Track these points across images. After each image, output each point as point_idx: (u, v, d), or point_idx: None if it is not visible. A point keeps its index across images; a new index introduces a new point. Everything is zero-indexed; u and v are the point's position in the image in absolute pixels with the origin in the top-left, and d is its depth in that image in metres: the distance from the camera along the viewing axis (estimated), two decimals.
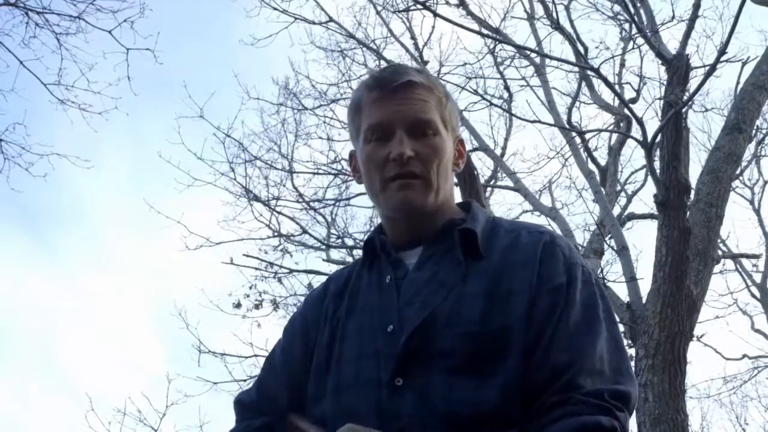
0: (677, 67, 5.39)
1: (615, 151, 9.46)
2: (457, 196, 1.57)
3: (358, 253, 9.31)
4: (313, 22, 9.30)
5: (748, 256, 11.39)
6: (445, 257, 1.33)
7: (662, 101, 5.62)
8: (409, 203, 1.34)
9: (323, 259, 9.80)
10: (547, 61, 8.87)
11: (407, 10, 8.83)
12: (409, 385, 1.20)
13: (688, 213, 5.36)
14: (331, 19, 9.39)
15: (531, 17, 9.40)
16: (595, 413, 1.14)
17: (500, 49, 9.09)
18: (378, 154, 1.36)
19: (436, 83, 1.42)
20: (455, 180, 1.53)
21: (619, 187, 9.77)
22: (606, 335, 1.24)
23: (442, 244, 1.35)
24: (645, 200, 10.25)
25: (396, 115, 1.35)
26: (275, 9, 8.92)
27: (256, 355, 8.46)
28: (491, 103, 8.77)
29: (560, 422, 1.14)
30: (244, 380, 8.64)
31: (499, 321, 1.21)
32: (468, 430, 1.16)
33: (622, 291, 6.97)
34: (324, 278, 1.55)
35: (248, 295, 9.22)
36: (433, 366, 1.20)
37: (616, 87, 8.82)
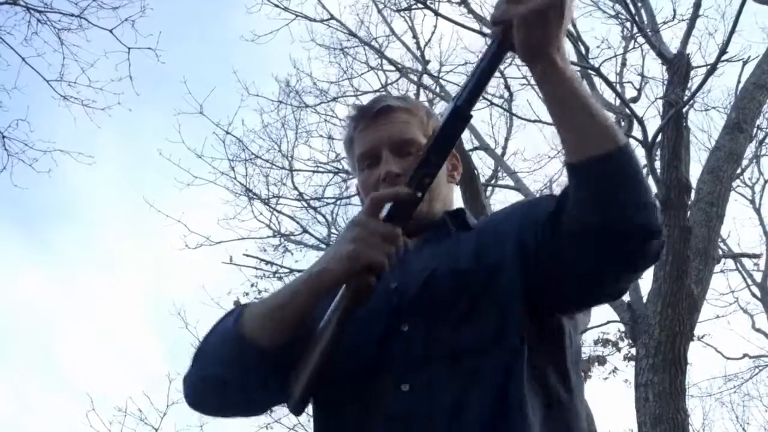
0: (678, 66, 5.39)
1: None
2: (458, 202, 1.65)
3: None
4: (314, 20, 9.30)
5: (748, 256, 11.39)
6: (440, 238, 1.44)
7: (663, 101, 5.61)
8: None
9: None
10: None
11: (409, 8, 8.83)
12: (414, 330, 1.29)
13: (688, 212, 5.36)
14: (332, 17, 9.39)
15: None
16: None
17: None
18: (370, 178, 1.47)
19: (417, 105, 1.54)
20: (456, 188, 1.62)
21: None
22: None
23: (437, 231, 1.45)
24: None
25: (380, 139, 1.47)
26: (276, 6, 8.92)
27: None
28: (492, 103, 8.77)
29: None
30: None
31: (491, 257, 1.32)
32: (469, 359, 1.24)
33: None
34: None
35: (247, 294, 9.23)
36: (436, 311, 1.29)
37: (617, 86, 8.82)
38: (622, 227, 1.18)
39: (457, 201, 1.58)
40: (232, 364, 1.30)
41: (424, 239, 1.44)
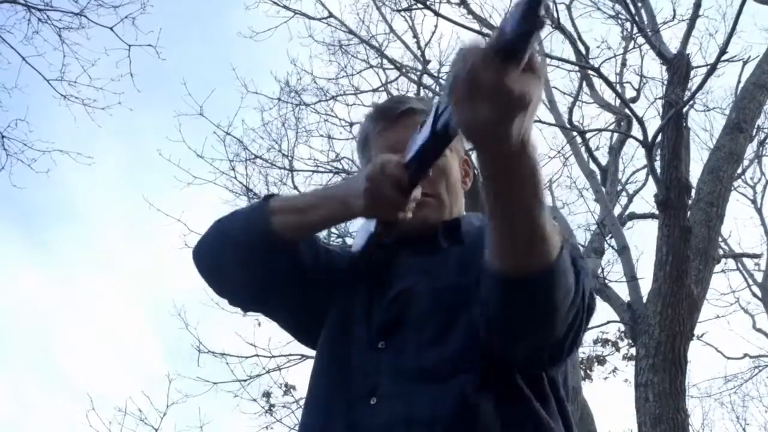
0: (678, 66, 5.39)
1: (616, 151, 9.46)
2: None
3: None
4: (313, 18, 9.30)
5: (749, 256, 11.38)
6: (432, 249, 1.42)
7: (663, 101, 5.61)
8: (426, 221, 1.41)
9: None
10: (548, 60, 8.87)
11: (409, 9, 8.83)
12: (387, 347, 1.29)
13: (688, 212, 5.36)
14: (331, 15, 9.38)
15: None
16: None
17: None
18: None
19: None
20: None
21: (619, 187, 9.77)
22: None
23: (429, 245, 1.43)
24: (646, 199, 10.24)
25: (401, 144, 1.38)
26: (275, 4, 8.91)
27: (257, 355, 8.46)
28: None
29: None
30: (245, 380, 8.64)
31: (465, 281, 1.28)
32: (436, 379, 1.22)
33: (622, 291, 6.99)
34: None
35: None
36: (408, 330, 1.29)
37: (617, 86, 8.82)
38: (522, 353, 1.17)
39: None
40: (248, 229, 1.38)
41: (414, 252, 1.42)
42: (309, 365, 1.45)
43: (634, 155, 10.22)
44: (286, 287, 1.41)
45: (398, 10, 9.19)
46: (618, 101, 8.60)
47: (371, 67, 9.75)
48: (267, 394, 9.01)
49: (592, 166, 8.82)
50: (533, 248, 1.06)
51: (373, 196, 1.26)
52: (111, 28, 8.13)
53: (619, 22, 9.20)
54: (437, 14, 7.55)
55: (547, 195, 1.08)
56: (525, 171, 1.00)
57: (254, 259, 1.37)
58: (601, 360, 9.71)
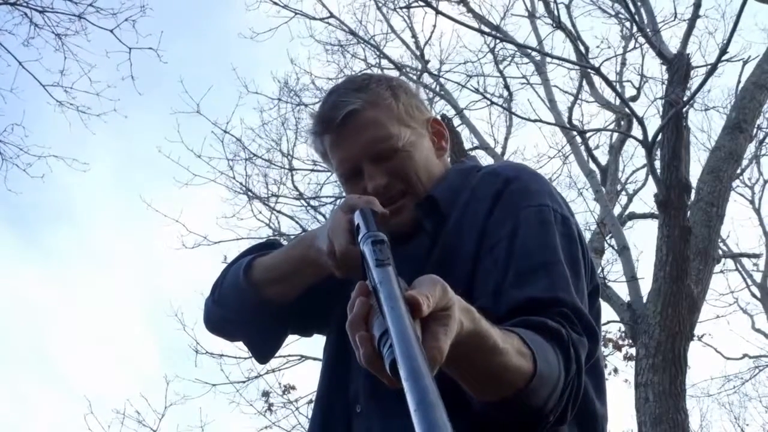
0: (678, 66, 5.38)
1: (616, 150, 9.45)
2: None
3: None
4: (314, 18, 9.27)
5: (748, 256, 11.40)
6: (417, 235, 1.35)
7: (663, 100, 5.61)
8: (409, 221, 1.35)
9: None
10: (548, 59, 8.86)
11: (408, 6, 8.82)
12: None
13: (688, 212, 5.35)
14: (331, 15, 9.35)
15: (532, 15, 9.39)
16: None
17: (501, 48, 9.09)
18: (356, 190, 1.37)
19: (379, 93, 1.38)
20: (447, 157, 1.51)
21: (619, 186, 9.76)
22: (565, 267, 1.20)
23: (408, 237, 1.36)
24: (646, 199, 10.23)
25: (356, 154, 1.36)
26: (275, 4, 8.87)
27: None
28: (492, 102, 8.77)
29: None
30: (243, 382, 8.62)
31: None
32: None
33: (622, 290, 6.98)
34: None
35: None
36: None
37: (617, 86, 8.82)
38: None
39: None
40: (242, 310, 1.43)
41: (401, 243, 1.29)
42: (308, 366, 1.48)
43: (633, 154, 10.22)
44: (297, 319, 1.46)
45: (398, 8, 9.19)
46: (618, 100, 8.59)
47: (370, 66, 9.75)
48: (266, 394, 9.00)
49: (592, 165, 8.81)
50: (494, 385, 1.02)
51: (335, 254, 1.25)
52: (111, 31, 8.11)
53: (619, 21, 9.20)
54: (438, 12, 7.54)
55: (502, 337, 1.00)
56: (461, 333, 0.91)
57: (261, 330, 1.46)
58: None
